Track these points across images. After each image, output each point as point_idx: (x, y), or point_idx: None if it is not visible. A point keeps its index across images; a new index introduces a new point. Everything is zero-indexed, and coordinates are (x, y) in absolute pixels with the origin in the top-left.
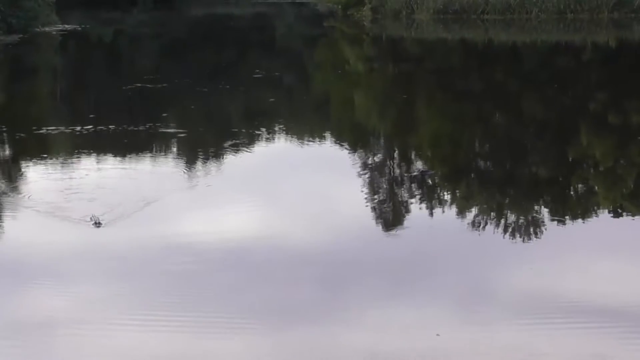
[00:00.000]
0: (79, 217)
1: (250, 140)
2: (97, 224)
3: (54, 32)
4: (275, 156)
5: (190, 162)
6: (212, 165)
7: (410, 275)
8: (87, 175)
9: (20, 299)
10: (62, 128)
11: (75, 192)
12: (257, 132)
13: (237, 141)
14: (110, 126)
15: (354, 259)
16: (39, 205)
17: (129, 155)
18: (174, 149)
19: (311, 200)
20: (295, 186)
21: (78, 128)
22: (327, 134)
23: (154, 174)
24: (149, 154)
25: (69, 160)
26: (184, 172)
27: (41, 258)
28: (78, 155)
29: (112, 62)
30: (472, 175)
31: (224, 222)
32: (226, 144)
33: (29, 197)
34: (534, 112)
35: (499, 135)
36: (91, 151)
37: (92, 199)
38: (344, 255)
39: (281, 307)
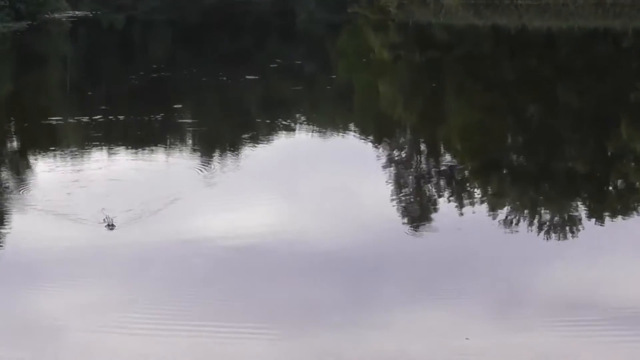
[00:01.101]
0: (91, 218)
1: (269, 132)
2: (110, 226)
3: (64, 19)
4: (295, 149)
5: (206, 156)
6: (229, 159)
7: (438, 276)
8: (99, 169)
9: (28, 303)
10: (71, 119)
11: (87, 189)
12: (276, 123)
13: (255, 133)
14: (122, 117)
15: (378, 258)
16: (48, 204)
17: (142, 149)
18: (189, 142)
19: (333, 196)
20: (317, 181)
21: (89, 119)
22: (350, 126)
23: (169, 170)
24: (163, 147)
25: (80, 154)
26: (200, 167)
27: (51, 261)
28: (89, 148)
29: (124, 50)
30: (504, 169)
31: (242, 221)
32: (244, 136)
33: (37, 195)
34: (570, 103)
35: (533, 127)
36: (103, 144)
37: (104, 197)
38: (368, 254)
39: (303, 310)
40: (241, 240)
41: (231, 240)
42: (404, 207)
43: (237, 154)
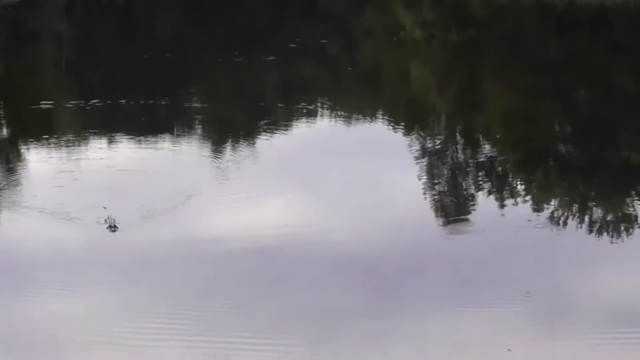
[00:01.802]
0: (89, 218)
1: (288, 119)
2: (112, 228)
3: None
4: (317, 138)
5: (218, 146)
6: (244, 149)
7: (477, 280)
8: (99, 161)
9: (18, 311)
10: (67, 103)
11: (85, 184)
12: (296, 109)
13: (273, 120)
14: (124, 101)
15: (409, 261)
16: (40, 201)
17: (148, 137)
18: (200, 130)
19: (359, 191)
20: (340, 175)
21: (87, 103)
22: (378, 113)
23: (178, 161)
24: (171, 136)
25: (77, 143)
26: (212, 158)
27: (44, 267)
28: (87, 137)
29: (126, 27)
30: (551, 161)
31: (259, 220)
32: (260, 124)
33: (28, 190)
34: (625, 86)
35: (583, 114)
36: (103, 131)
37: (104, 193)
38: (398, 257)
39: (324, 319)
40: (258, 242)
41: (247, 242)
42: (438, 203)
43: (252, 144)
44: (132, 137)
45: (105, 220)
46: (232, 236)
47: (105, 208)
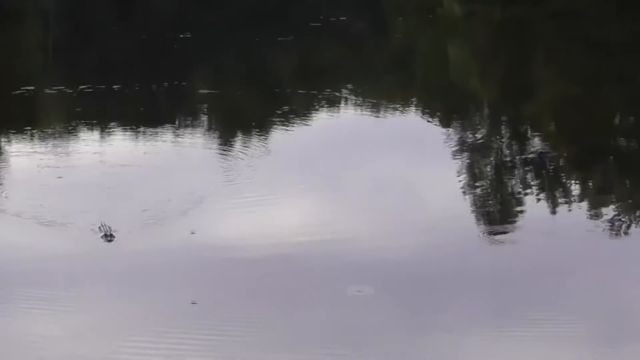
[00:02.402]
0: (81, 225)
1: (309, 108)
2: (109, 237)
3: None
4: (341, 131)
5: (226, 139)
6: (255, 143)
7: (526, 296)
8: (91, 155)
9: (6, 329)
10: (54, 88)
11: (75, 182)
12: (317, 97)
13: (292, 110)
14: (118, 86)
15: (447, 273)
16: (22, 204)
17: (146, 128)
18: (205, 120)
19: (389, 192)
20: (368, 173)
21: (76, 89)
22: (412, 101)
23: (180, 157)
24: (172, 127)
25: (65, 135)
26: (219, 153)
27: (25, 282)
28: (77, 127)
29: (121, 4)
30: (611, 157)
31: (272, 224)
32: (275, 114)
33: (7, 191)
34: None
35: None
36: (95, 121)
37: (98, 194)
38: (434, 268)
39: (348, 337)
40: (274, 251)
41: (261, 251)
42: (480, 207)
43: (267, 137)
44: (128, 127)
45: (100, 227)
46: (245, 244)
47: (102, 223)
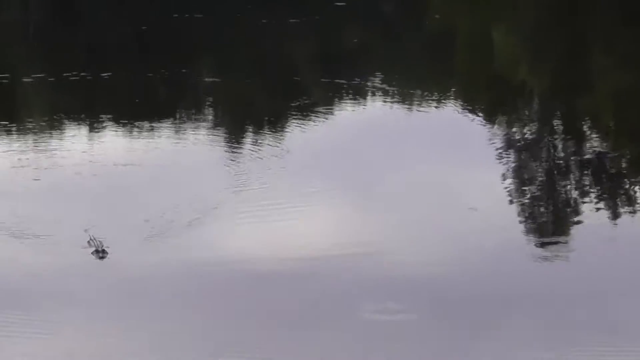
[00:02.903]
0: (68, 239)
1: (329, 100)
2: (100, 253)
3: None
4: (368, 127)
5: (236, 136)
6: (269, 140)
7: (579, 318)
8: (78, 153)
9: None
10: (34, 76)
11: (59, 186)
12: (339, 87)
13: (309, 102)
14: (109, 74)
15: (492, 291)
16: (7, 220)
17: (142, 123)
18: (211, 112)
19: (424, 197)
20: (399, 176)
21: (60, 77)
22: (450, 92)
23: (183, 156)
24: (174, 121)
25: (48, 130)
26: (228, 152)
27: (20, 300)
28: (60, 121)
29: None
30: None
31: (289, 236)
32: (292, 106)
33: None
34: None
35: None
36: (82, 114)
37: (88, 201)
38: (477, 285)
39: None
40: (292, 267)
41: (277, 267)
42: (529, 215)
43: (282, 133)
44: (121, 122)
45: (89, 242)
46: (258, 258)
47: (87, 230)
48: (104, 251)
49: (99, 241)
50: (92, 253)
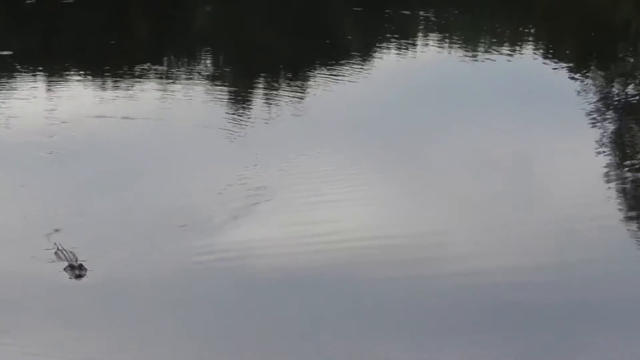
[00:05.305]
0: (32, 249)
1: (368, 48)
2: (75, 271)
3: None
4: (424, 85)
5: (241, 88)
6: (287, 97)
7: None
8: (34, 108)
9: None
10: None
11: (12, 156)
12: (377, 20)
13: (341, 43)
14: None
15: (587, 300)
16: None
17: (117, 72)
18: (213, 63)
19: (493, 174)
20: (462, 144)
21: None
22: (527, 34)
23: (178, 148)
24: (157, 71)
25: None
26: (230, 116)
27: None
28: (11, 65)
29: None
30: None
31: (328, 223)
32: (317, 50)
33: None
34: None
35: None
36: (40, 57)
37: (52, 176)
38: (574, 294)
39: None
40: (332, 263)
41: (314, 263)
42: (634, 198)
43: (306, 88)
44: (91, 70)
45: (57, 252)
46: (292, 252)
47: (63, 251)
48: (81, 267)
49: (72, 253)
50: (68, 272)
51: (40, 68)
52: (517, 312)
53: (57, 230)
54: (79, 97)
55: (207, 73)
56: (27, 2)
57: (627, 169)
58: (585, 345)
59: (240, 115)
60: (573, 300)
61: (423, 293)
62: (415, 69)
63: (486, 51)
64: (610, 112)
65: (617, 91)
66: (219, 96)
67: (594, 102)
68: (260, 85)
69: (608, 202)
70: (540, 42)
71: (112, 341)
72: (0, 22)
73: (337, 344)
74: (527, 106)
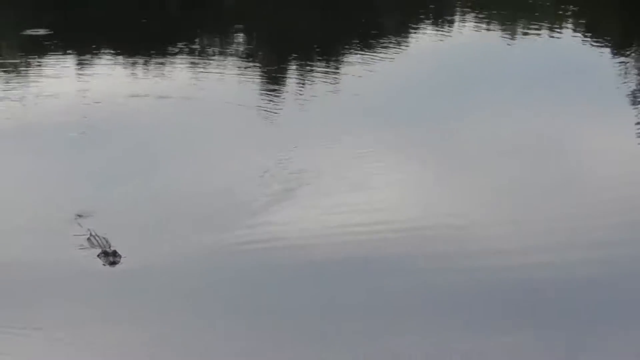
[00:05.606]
0: (76, 245)
1: (404, 29)
2: (111, 258)
3: None
4: (461, 66)
5: (278, 72)
6: (319, 77)
7: None
8: (68, 89)
9: None
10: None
11: (44, 140)
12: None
13: (375, 22)
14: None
15: (624, 298)
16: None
17: (147, 53)
18: (245, 43)
19: (529, 161)
20: (498, 128)
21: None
22: (567, 12)
23: (213, 127)
24: (191, 49)
25: (26, 63)
26: (266, 96)
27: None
28: (46, 49)
29: None
30: None
31: (364, 207)
32: (352, 31)
33: None
34: None
35: None
36: (69, 38)
37: (89, 163)
38: (604, 290)
39: None
40: (359, 252)
41: (340, 251)
42: None
43: (340, 68)
44: (123, 49)
45: (89, 238)
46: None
47: (95, 236)
48: (115, 255)
49: (103, 238)
50: (102, 259)
51: (73, 48)
52: (540, 309)
53: (84, 216)
54: (111, 76)
55: (240, 51)
56: None
57: None
58: (607, 344)
59: (276, 94)
60: (602, 299)
61: (456, 285)
62: (453, 48)
63: (524, 31)
64: None
65: None
66: (252, 75)
67: (636, 84)
68: (294, 65)
69: None
70: (581, 20)
71: (150, 330)
72: (34, 1)
73: (351, 336)
74: (566, 87)
